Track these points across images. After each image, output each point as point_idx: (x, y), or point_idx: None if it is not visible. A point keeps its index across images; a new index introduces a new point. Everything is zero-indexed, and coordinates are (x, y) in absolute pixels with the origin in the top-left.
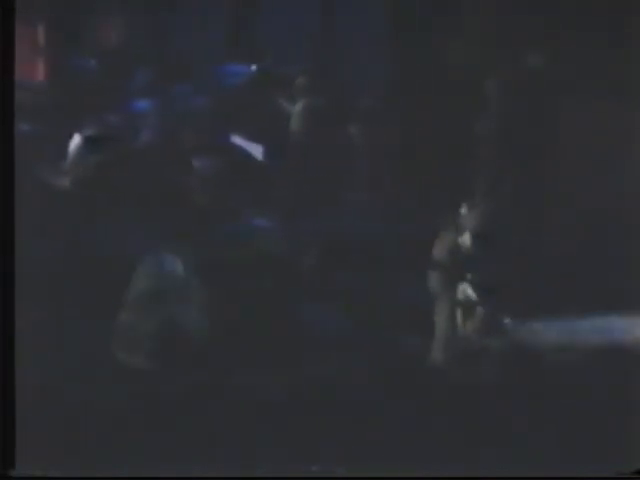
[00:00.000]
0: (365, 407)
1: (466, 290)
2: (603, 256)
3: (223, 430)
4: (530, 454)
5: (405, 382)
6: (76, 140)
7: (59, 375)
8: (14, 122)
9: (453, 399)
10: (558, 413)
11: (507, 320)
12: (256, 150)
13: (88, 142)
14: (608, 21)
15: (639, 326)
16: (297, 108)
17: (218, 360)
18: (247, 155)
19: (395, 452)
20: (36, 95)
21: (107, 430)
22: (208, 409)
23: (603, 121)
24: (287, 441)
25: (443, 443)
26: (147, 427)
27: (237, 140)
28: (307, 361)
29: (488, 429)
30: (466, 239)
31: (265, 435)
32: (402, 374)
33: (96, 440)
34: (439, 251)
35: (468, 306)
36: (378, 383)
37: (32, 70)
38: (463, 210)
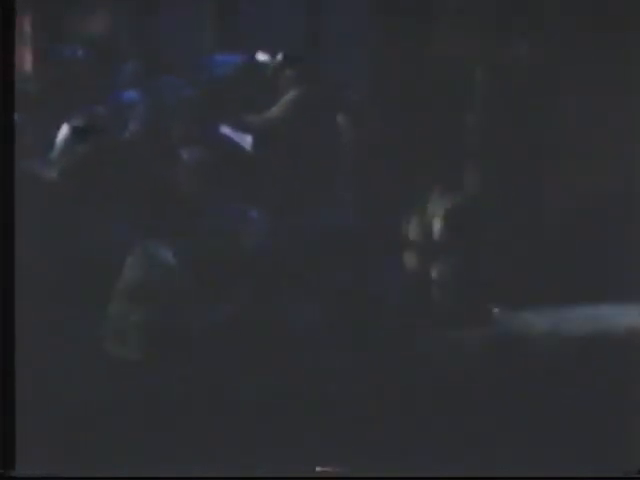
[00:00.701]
0: (362, 405)
1: (456, 281)
2: (596, 244)
3: (223, 430)
4: (530, 454)
5: (401, 377)
6: (64, 131)
7: (58, 374)
8: (14, 120)
9: (451, 398)
10: (557, 411)
11: (500, 312)
12: (244, 141)
13: (76, 133)
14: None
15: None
16: (285, 99)
17: (209, 355)
18: (235, 146)
19: (395, 451)
20: (24, 86)
21: (107, 430)
22: (208, 408)
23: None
24: (287, 441)
25: (441, 442)
26: (147, 427)
27: (225, 131)
28: (298, 356)
29: (486, 429)
30: (456, 230)
31: (264, 435)
32: (399, 370)
33: (96, 440)
34: (427, 244)
35: (460, 298)
36: (374, 379)
37: (20, 61)
38: (452, 202)
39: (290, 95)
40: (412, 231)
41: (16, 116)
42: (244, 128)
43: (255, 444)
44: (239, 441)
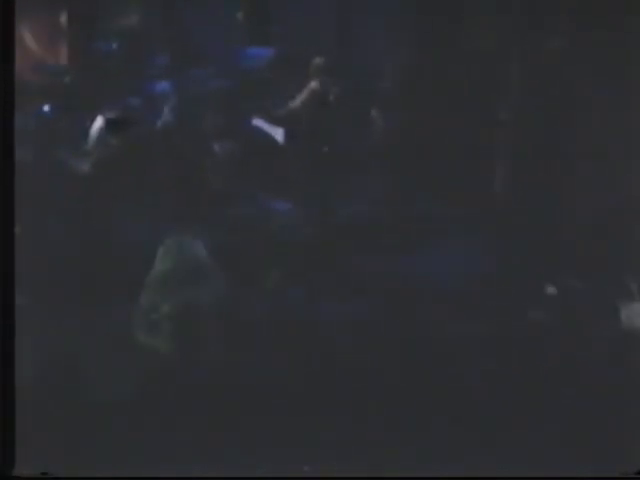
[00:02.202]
0: (363, 405)
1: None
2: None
3: (223, 430)
4: (530, 454)
5: (402, 376)
6: (97, 123)
7: (58, 374)
8: (14, 115)
9: (451, 397)
10: (559, 412)
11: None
12: (275, 133)
13: (109, 125)
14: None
15: None
16: (317, 91)
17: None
18: (266, 138)
19: (395, 451)
20: (58, 78)
21: (107, 430)
22: (209, 407)
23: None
24: (287, 441)
25: (444, 443)
26: (147, 427)
27: (256, 122)
28: (320, 347)
29: (486, 428)
30: (482, 220)
31: (265, 435)
32: (400, 369)
33: (96, 440)
34: (457, 235)
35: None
36: (375, 377)
37: (55, 55)
38: (478, 192)
39: (319, 87)
40: (442, 222)
41: (51, 108)
42: (275, 120)
43: (255, 444)
44: (239, 441)
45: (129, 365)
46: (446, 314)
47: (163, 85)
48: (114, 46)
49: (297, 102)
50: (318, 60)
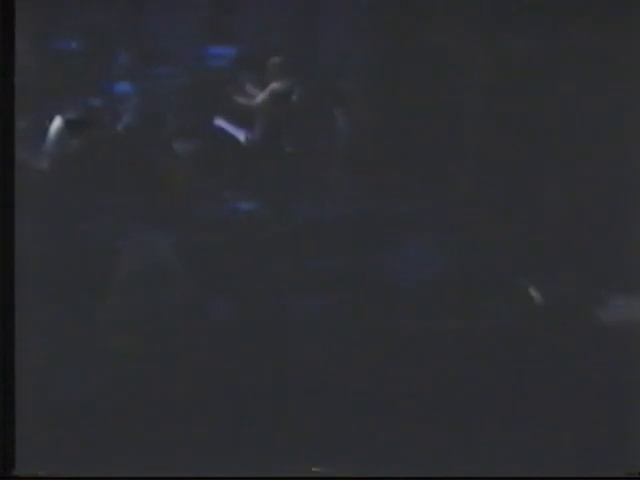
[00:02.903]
0: (363, 403)
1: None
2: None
3: (223, 429)
4: (530, 454)
5: (402, 375)
6: (57, 123)
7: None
8: (14, 117)
9: (450, 396)
10: (559, 411)
11: (506, 302)
12: (239, 133)
13: (68, 125)
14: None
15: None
16: (280, 90)
17: (204, 349)
18: (230, 138)
19: (395, 451)
20: (16, 78)
21: (107, 429)
22: (207, 406)
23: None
24: (287, 441)
25: (441, 442)
26: (147, 426)
27: (220, 123)
28: (296, 350)
29: (487, 427)
30: (453, 218)
31: (265, 435)
32: (400, 367)
33: (96, 440)
34: (425, 231)
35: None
36: (375, 375)
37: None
38: (450, 189)
39: (285, 87)
40: (411, 220)
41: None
42: (238, 119)
43: (254, 444)
44: (238, 441)
45: (129, 365)
46: (422, 313)
47: (125, 85)
48: (74, 45)
49: (261, 102)
50: (282, 59)
